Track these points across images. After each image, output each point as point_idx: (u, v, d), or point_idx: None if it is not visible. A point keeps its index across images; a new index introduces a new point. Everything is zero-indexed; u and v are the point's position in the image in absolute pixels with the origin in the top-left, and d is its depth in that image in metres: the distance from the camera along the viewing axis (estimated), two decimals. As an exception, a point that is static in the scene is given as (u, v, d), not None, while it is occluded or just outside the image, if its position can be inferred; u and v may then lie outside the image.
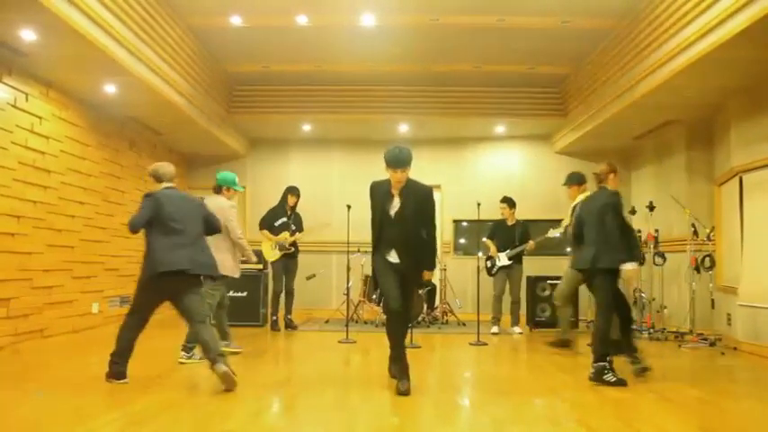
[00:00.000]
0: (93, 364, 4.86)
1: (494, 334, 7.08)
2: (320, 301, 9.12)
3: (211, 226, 4.35)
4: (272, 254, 7.14)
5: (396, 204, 4.06)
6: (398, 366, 3.99)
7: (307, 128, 9.13)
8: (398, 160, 3.93)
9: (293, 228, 7.14)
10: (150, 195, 4.07)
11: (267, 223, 7.18)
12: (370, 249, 4.18)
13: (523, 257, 7.42)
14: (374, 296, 8.00)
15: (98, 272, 6.89)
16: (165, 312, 4.15)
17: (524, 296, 7.60)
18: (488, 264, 7.48)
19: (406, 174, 3.99)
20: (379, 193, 4.11)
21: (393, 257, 4.10)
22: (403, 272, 4.07)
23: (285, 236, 7.06)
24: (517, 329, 7.28)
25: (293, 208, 7.29)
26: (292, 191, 7.27)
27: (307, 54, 7.54)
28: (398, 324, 4.09)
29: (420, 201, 4.06)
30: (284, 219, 7.17)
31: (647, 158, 8.44)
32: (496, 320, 7.31)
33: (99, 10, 4.99)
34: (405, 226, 4.05)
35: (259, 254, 7.31)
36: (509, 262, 7.32)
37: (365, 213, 4.30)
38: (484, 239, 7.57)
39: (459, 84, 8.50)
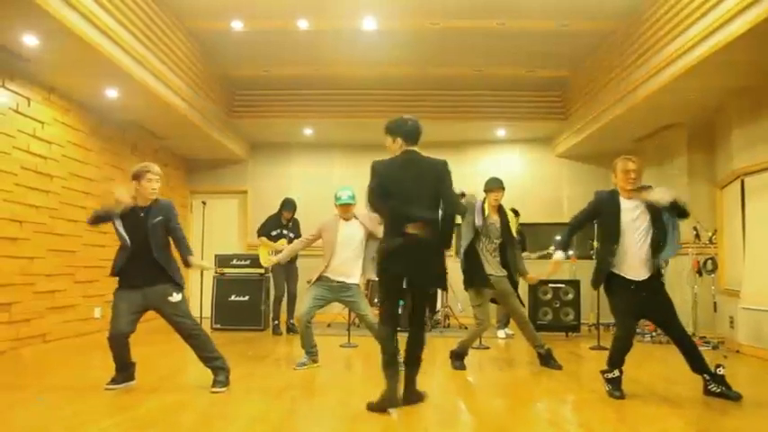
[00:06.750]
0: (94, 368, 4.86)
1: (507, 336, 7.12)
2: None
3: None
4: (267, 259, 7.21)
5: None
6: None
7: (308, 132, 9.15)
8: (420, 132, 3.60)
9: (291, 236, 7.30)
10: None
11: (265, 231, 7.41)
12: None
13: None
14: (376, 300, 7.98)
15: (100, 276, 6.87)
16: (160, 319, 4.14)
17: (526, 300, 7.56)
18: None
19: None
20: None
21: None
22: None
23: (282, 242, 7.23)
24: (508, 332, 7.26)
25: (289, 220, 7.48)
26: (287, 207, 7.42)
27: (308, 58, 7.55)
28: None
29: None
30: (280, 230, 7.39)
31: (648, 161, 8.37)
32: (502, 324, 7.29)
33: (100, 15, 5.01)
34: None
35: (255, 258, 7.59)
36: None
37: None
38: None
39: (460, 87, 8.51)
